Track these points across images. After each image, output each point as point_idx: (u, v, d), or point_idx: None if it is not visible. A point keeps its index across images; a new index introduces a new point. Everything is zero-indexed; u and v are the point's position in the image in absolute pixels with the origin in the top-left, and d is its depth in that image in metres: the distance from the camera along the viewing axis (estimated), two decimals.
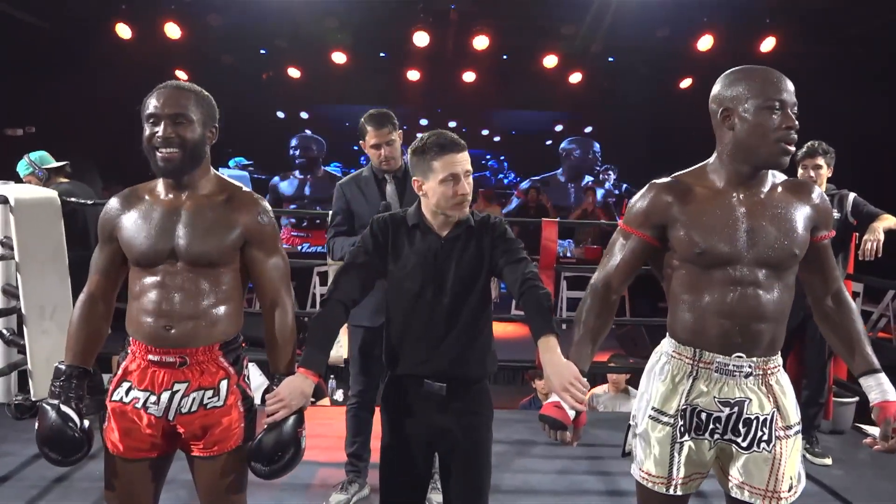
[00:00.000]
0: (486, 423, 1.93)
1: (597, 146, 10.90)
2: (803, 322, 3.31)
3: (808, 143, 3.32)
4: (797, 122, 1.56)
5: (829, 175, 3.38)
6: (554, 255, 4.01)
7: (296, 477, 1.88)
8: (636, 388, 4.53)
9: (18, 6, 7.04)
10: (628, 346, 6.18)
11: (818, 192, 1.67)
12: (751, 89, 1.56)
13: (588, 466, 3.23)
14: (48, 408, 1.66)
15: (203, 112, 1.67)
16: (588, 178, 10.91)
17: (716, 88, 1.63)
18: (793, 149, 1.57)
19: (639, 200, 1.69)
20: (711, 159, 1.68)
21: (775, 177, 1.66)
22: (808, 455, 3.38)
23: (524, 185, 10.66)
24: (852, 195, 3.42)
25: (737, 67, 1.62)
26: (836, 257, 3.27)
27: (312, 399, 1.78)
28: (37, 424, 1.67)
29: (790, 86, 1.57)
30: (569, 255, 9.09)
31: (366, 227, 1.95)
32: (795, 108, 1.57)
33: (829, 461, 3.38)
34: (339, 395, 5.50)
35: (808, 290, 1.73)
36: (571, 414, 1.56)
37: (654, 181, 1.69)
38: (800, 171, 3.34)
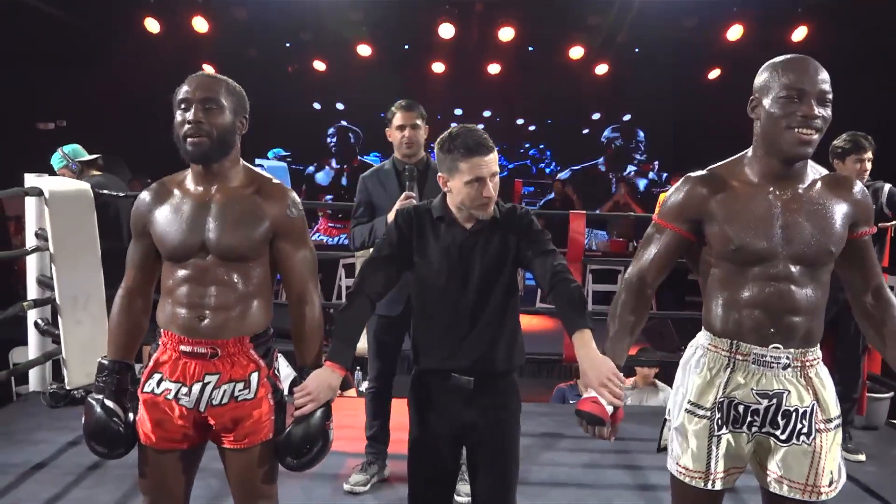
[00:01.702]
0: (514, 416, 1.92)
1: (641, 134, 10.72)
2: (837, 316, 3.23)
3: (850, 137, 3.23)
4: (819, 112, 1.50)
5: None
6: (581, 248, 3.99)
7: (324, 467, 1.90)
8: (663, 381, 4.51)
9: (48, 1, 7.15)
10: (655, 340, 6.12)
11: (859, 188, 1.63)
12: (774, 79, 1.54)
13: (616, 460, 3.21)
14: (94, 402, 1.69)
15: (234, 101, 1.67)
16: (631, 168, 10.75)
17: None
18: (810, 138, 1.51)
19: (674, 194, 1.67)
20: (748, 151, 1.65)
21: (815, 171, 1.63)
22: (840, 450, 3.32)
23: (563, 175, 10.56)
24: (888, 186, 3.34)
25: (779, 57, 1.58)
26: None
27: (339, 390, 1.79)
28: (83, 419, 1.71)
29: (820, 75, 1.52)
30: (594, 247, 9.03)
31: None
32: (825, 98, 1.51)
33: (862, 457, 3.32)
34: (364, 386, 5.53)
35: (846, 286, 1.69)
36: (609, 409, 1.55)
37: (689, 174, 1.66)
38: (850, 164, 3.23)
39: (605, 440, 1.59)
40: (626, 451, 3.30)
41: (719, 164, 1.68)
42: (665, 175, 10.46)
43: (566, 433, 3.47)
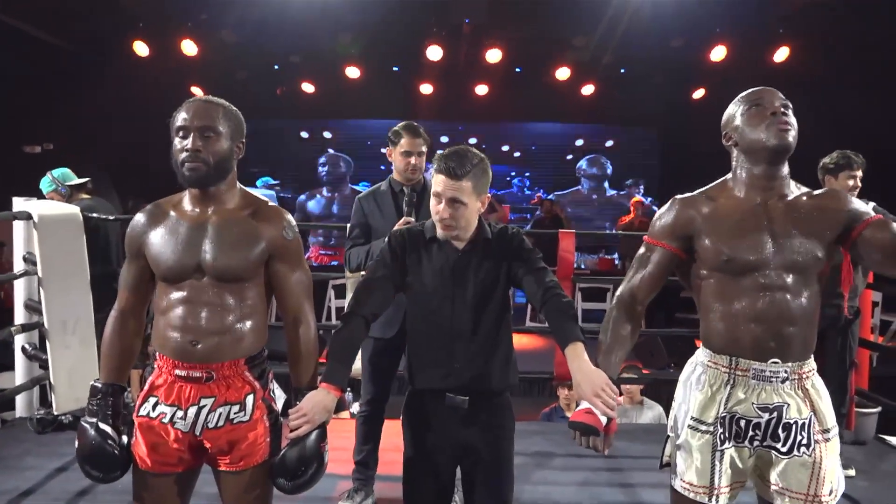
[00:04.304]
0: (509, 435, 1.94)
1: (606, 161, 10.91)
2: (824, 331, 3.26)
3: (842, 154, 3.27)
4: (784, 111, 1.61)
5: None
6: (571, 267, 4.01)
7: (316, 490, 1.88)
8: (653, 398, 4.52)
9: (37, 25, 7.17)
10: (645, 357, 6.15)
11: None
12: (737, 105, 1.69)
13: (608, 478, 3.20)
14: (87, 426, 1.68)
15: (231, 126, 1.69)
16: (612, 192, 10.90)
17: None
18: (787, 127, 1.60)
19: (663, 214, 1.72)
20: (729, 175, 1.72)
21: (799, 188, 1.68)
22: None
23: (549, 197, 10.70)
24: (871, 205, 3.39)
25: None
26: (856, 268, 3.25)
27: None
28: (76, 443, 1.69)
29: (776, 92, 1.65)
30: (582, 266, 9.09)
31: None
32: (786, 104, 1.62)
33: (852, 472, 3.33)
34: (356, 408, 5.50)
35: (889, 272, 1.64)
36: (603, 420, 1.56)
37: (677, 196, 1.73)
38: (839, 181, 3.28)
39: (599, 452, 1.60)
40: (618, 468, 3.29)
41: (704, 188, 1.74)
42: (650, 200, 10.55)
43: (558, 451, 3.47)
